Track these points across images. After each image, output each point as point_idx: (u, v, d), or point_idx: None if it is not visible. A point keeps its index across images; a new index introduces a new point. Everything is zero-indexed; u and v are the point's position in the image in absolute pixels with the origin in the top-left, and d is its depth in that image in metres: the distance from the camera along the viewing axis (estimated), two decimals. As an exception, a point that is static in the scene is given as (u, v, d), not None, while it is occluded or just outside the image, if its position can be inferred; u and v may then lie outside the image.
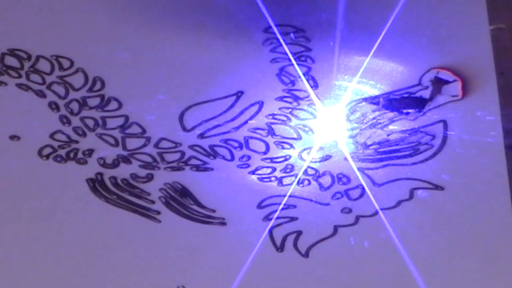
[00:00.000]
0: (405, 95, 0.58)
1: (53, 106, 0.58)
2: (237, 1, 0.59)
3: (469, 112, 0.58)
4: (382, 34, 0.58)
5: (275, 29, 0.58)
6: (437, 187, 0.58)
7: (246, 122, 0.59)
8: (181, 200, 0.58)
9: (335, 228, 0.57)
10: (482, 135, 0.58)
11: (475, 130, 0.58)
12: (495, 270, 0.56)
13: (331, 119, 0.59)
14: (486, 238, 0.57)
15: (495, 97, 0.58)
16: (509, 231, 0.57)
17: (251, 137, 0.58)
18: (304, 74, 0.59)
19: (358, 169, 0.58)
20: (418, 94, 0.58)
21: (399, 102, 0.58)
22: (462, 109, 0.58)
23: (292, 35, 0.58)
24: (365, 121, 0.59)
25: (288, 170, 0.58)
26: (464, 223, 0.57)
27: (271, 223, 0.57)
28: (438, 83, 0.58)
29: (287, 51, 0.58)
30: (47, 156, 0.58)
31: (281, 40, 0.58)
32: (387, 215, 0.57)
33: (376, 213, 0.57)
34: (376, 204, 0.57)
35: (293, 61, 0.58)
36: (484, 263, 0.56)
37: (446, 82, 0.58)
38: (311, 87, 0.59)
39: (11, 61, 0.59)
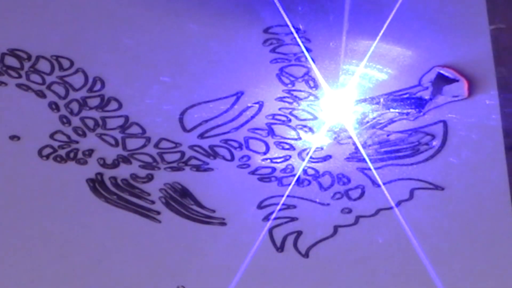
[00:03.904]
0: (405, 96, 0.58)
1: (53, 106, 0.58)
2: (237, 1, 0.59)
3: (469, 112, 0.58)
4: (379, 35, 0.58)
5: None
6: (437, 187, 0.58)
7: (246, 122, 0.59)
8: (181, 200, 0.58)
9: (335, 228, 0.57)
10: (482, 135, 0.58)
11: (475, 130, 0.58)
12: (495, 270, 0.56)
13: (331, 119, 0.59)
14: (486, 238, 0.57)
15: (495, 98, 0.58)
16: (509, 232, 0.57)
17: (251, 137, 0.58)
18: (304, 75, 0.59)
19: (358, 169, 0.58)
20: (418, 95, 0.58)
21: (399, 102, 0.58)
22: (462, 109, 0.58)
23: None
24: (365, 121, 0.59)
25: (288, 171, 0.58)
26: (464, 223, 0.57)
27: (269, 223, 0.57)
28: (439, 83, 0.58)
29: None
30: (47, 156, 0.58)
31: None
32: (387, 215, 0.57)
33: (376, 213, 0.57)
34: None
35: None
36: (484, 263, 0.56)
37: (448, 82, 0.58)
38: (311, 87, 0.59)
39: (11, 61, 0.59)
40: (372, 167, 0.58)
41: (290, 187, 0.58)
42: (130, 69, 0.59)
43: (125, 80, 0.59)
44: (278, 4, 0.58)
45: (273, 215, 0.57)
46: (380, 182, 0.58)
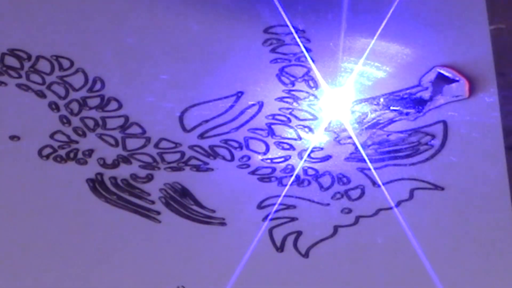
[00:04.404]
0: (405, 96, 0.58)
1: (53, 106, 0.58)
2: (237, 1, 0.59)
3: (469, 113, 0.58)
4: (379, 35, 0.58)
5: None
6: (437, 187, 0.58)
7: (246, 122, 0.59)
8: (181, 201, 0.58)
9: (335, 228, 0.57)
10: (481, 135, 0.58)
11: (475, 130, 0.58)
12: (495, 270, 0.57)
13: (331, 119, 0.59)
14: (486, 238, 0.57)
15: (495, 98, 0.58)
16: (509, 231, 0.57)
17: (251, 138, 0.59)
18: (303, 75, 0.59)
19: (358, 169, 0.58)
20: (418, 95, 0.58)
21: (399, 102, 0.58)
22: (462, 109, 0.58)
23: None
24: (365, 121, 0.59)
25: (288, 171, 0.58)
26: (464, 223, 0.57)
27: (266, 223, 0.57)
28: (439, 83, 0.58)
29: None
30: (47, 156, 0.58)
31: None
32: (387, 215, 0.57)
33: (376, 213, 0.57)
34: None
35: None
36: (484, 263, 0.57)
37: (448, 82, 0.58)
38: (311, 87, 0.59)
39: (11, 61, 0.59)
40: (372, 167, 0.58)
41: (288, 186, 0.58)
42: (130, 69, 0.59)
43: (125, 80, 0.59)
44: (278, 4, 0.58)
45: (271, 215, 0.57)
46: (380, 182, 0.58)
